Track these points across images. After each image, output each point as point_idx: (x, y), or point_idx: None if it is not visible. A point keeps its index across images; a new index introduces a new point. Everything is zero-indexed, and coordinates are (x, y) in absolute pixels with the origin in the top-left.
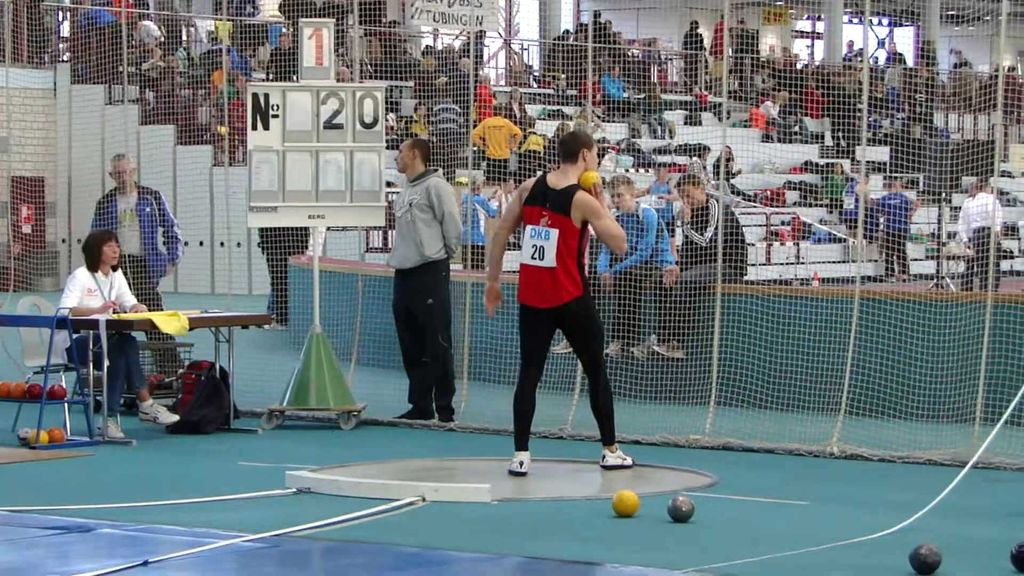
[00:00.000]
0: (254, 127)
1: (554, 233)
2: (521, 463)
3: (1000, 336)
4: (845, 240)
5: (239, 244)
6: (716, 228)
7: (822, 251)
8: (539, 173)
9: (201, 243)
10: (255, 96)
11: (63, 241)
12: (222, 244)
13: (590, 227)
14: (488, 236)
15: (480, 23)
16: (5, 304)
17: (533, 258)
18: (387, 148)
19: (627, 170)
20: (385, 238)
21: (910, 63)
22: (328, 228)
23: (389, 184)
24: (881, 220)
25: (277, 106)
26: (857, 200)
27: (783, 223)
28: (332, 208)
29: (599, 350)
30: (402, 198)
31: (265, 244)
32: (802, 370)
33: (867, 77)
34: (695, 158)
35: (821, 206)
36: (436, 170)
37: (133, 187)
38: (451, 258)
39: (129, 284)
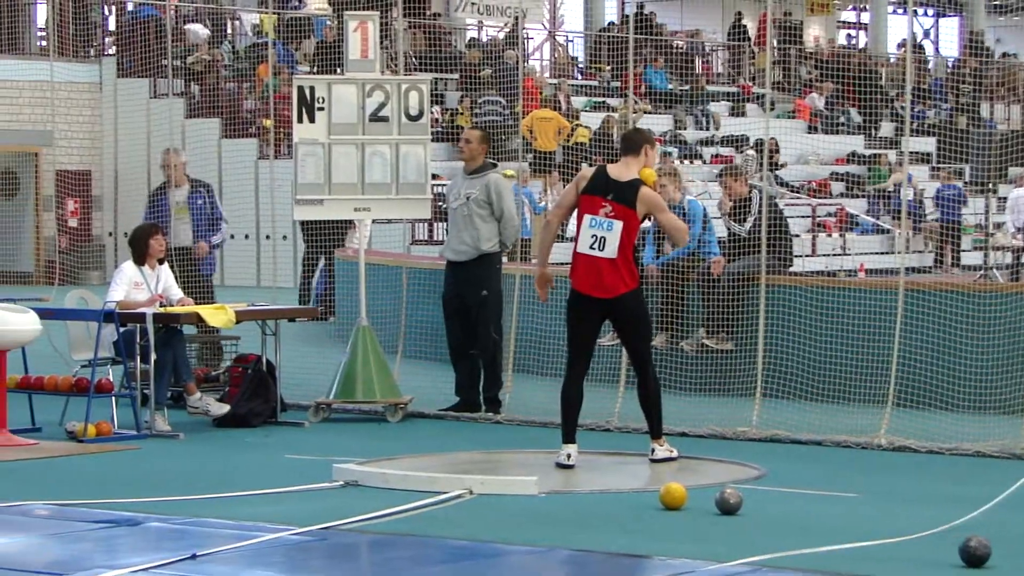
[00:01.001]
0: (300, 120)
1: (618, 225)
2: (569, 455)
3: None
4: (890, 231)
5: (285, 237)
6: (757, 218)
7: (868, 242)
8: (592, 164)
9: (247, 236)
10: (300, 89)
11: (109, 235)
12: (267, 237)
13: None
14: (534, 231)
15: (525, 15)
16: (52, 298)
17: (592, 248)
18: (432, 141)
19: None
20: (431, 230)
21: (955, 53)
22: (373, 220)
23: (434, 176)
24: (933, 211)
25: (323, 99)
26: (897, 190)
27: (828, 214)
28: (378, 201)
29: (648, 344)
30: (457, 190)
31: (306, 236)
32: (849, 361)
33: (911, 68)
34: (749, 150)
35: (865, 197)
36: (495, 164)
37: (184, 179)
38: (504, 252)
39: (177, 278)
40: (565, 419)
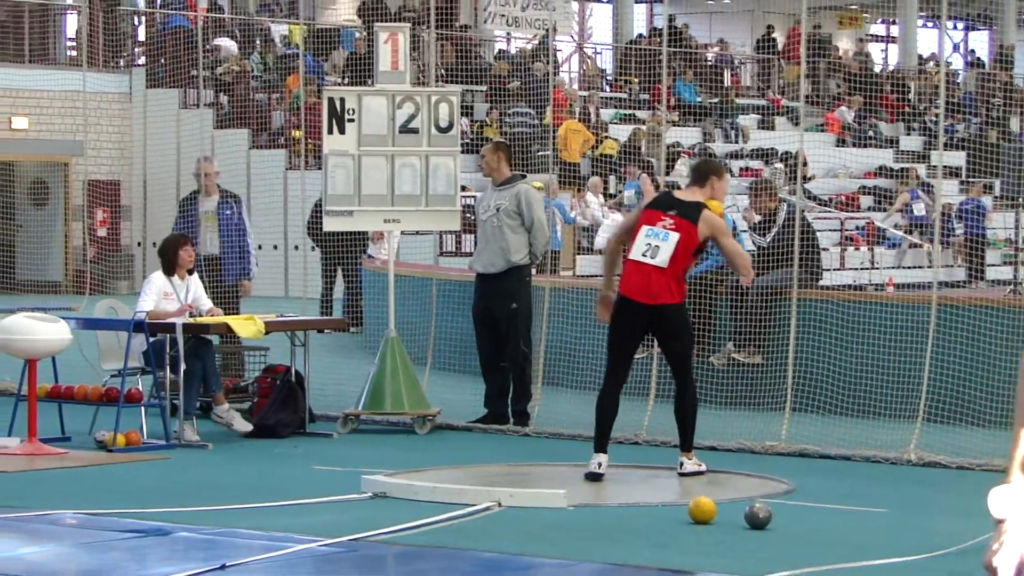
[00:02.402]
0: (330, 131)
1: (674, 236)
2: (599, 464)
3: None
4: (920, 245)
5: (313, 247)
6: (780, 231)
7: (896, 256)
8: (621, 177)
9: (275, 247)
10: (331, 100)
11: (138, 244)
12: (296, 248)
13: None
14: (564, 242)
15: (554, 27)
16: (81, 307)
17: (644, 255)
18: (462, 152)
19: None
20: (459, 242)
21: (985, 67)
22: (401, 232)
23: (462, 188)
24: (958, 225)
25: (353, 110)
26: (908, 209)
27: (857, 228)
28: (407, 212)
29: (689, 356)
30: (487, 202)
31: (325, 245)
32: (879, 376)
33: (944, 81)
34: (778, 164)
35: (891, 210)
36: (524, 175)
37: (215, 189)
38: (534, 264)
39: (205, 286)
40: (599, 428)
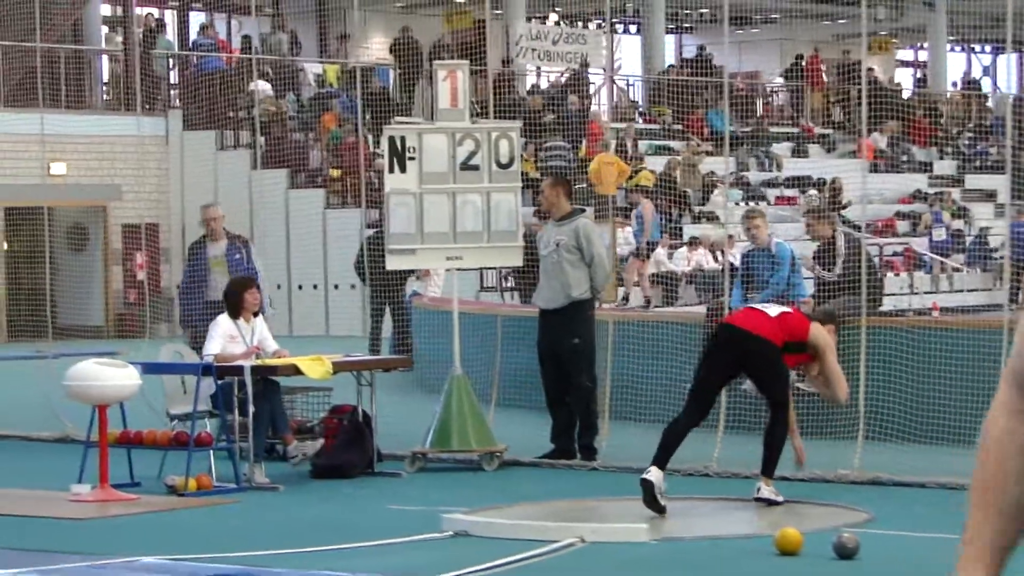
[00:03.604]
0: (391, 170)
1: (788, 313)
2: (650, 471)
3: None
4: (959, 269)
5: (353, 286)
6: (845, 262)
7: (931, 281)
8: (659, 207)
9: (315, 286)
10: (391, 139)
11: (177, 287)
12: (336, 287)
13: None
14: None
15: (587, 61)
16: (126, 351)
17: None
18: None
19: (736, 204)
20: (503, 277)
21: (1014, 90)
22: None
23: None
24: (1003, 249)
25: (413, 148)
26: (930, 226)
27: (895, 253)
28: (470, 249)
29: (783, 391)
30: (547, 237)
31: (373, 283)
32: (950, 402)
33: (1011, 111)
34: (812, 191)
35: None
36: (583, 210)
37: (222, 234)
38: (597, 298)
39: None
40: (660, 449)
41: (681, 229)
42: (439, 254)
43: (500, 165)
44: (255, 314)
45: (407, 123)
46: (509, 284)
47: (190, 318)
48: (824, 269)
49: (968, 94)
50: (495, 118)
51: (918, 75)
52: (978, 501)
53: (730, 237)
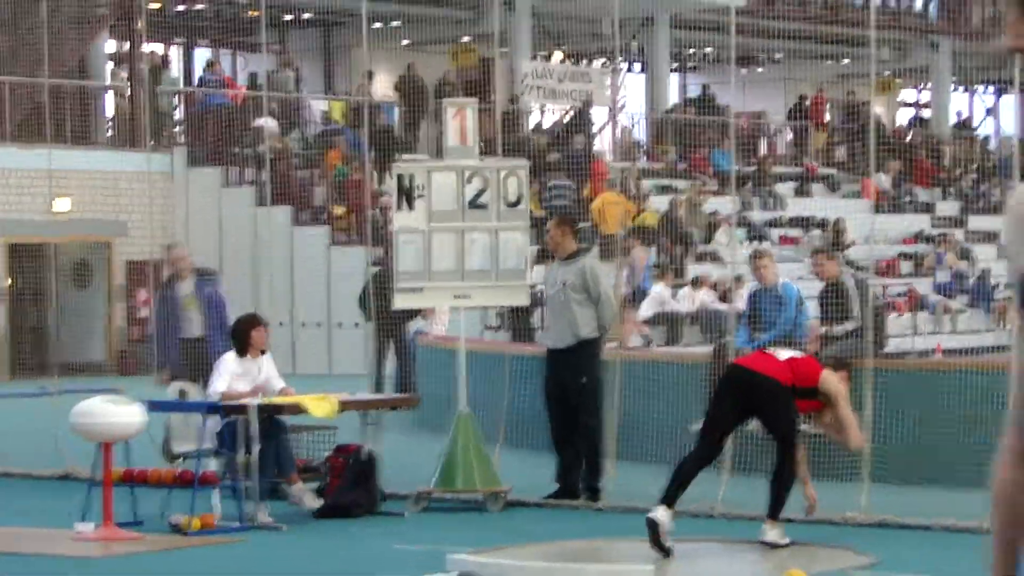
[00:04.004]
0: (399, 208)
1: (800, 358)
2: (657, 510)
3: None
4: (964, 311)
5: (357, 324)
6: (852, 311)
7: (934, 321)
8: (663, 249)
9: (319, 324)
10: (400, 177)
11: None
12: (339, 325)
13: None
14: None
15: (591, 100)
16: (125, 388)
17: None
18: None
19: (740, 243)
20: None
21: (1017, 131)
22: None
23: None
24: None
25: (422, 186)
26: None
27: (898, 295)
28: (478, 288)
29: (791, 431)
30: (554, 276)
31: (378, 320)
32: (955, 443)
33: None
34: (815, 230)
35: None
36: (589, 249)
37: (189, 272)
38: (604, 337)
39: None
40: (669, 486)
41: (684, 268)
42: (447, 292)
43: (508, 203)
44: (262, 352)
45: (415, 161)
46: (496, 324)
47: (167, 358)
48: (831, 322)
49: (969, 136)
50: (501, 156)
51: (919, 115)
52: (999, 542)
53: (739, 278)
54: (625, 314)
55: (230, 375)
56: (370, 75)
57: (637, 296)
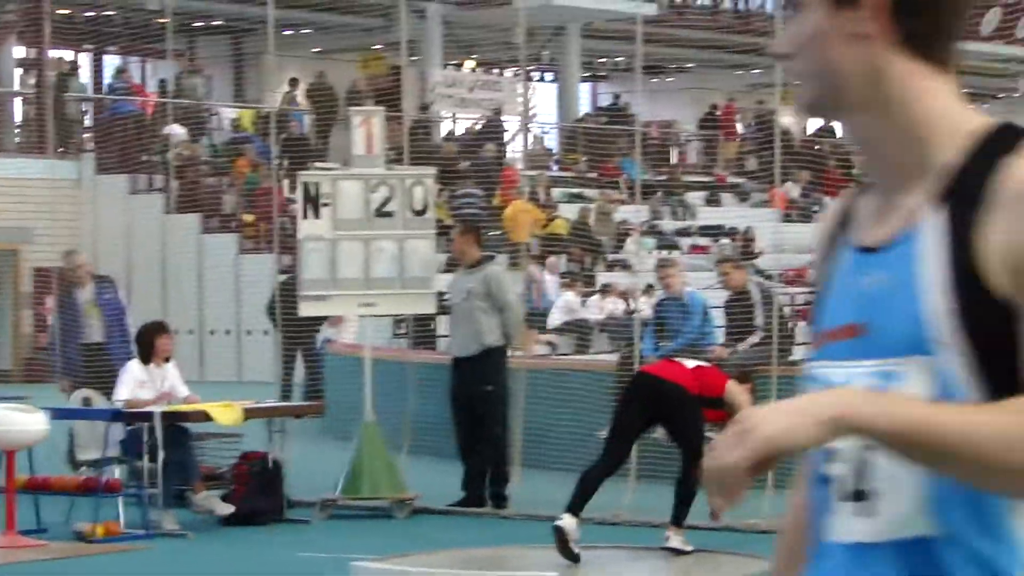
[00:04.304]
0: (305, 216)
1: (710, 367)
2: (563, 518)
3: None
4: None
5: (266, 332)
6: (757, 328)
7: None
8: (572, 257)
9: (228, 331)
10: (306, 185)
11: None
12: (248, 332)
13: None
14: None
15: (502, 108)
16: (32, 396)
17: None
18: None
19: (650, 252)
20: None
21: None
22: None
23: None
24: None
25: (328, 195)
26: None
27: (806, 303)
28: (383, 296)
29: (696, 438)
30: (459, 285)
31: (285, 328)
32: None
33: None
34: (724, 240)
35: None
36: (493, 257)
37: (88, 279)
38: (509, 345)
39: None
40: (575, 492)
41: (594, 277)
42: (352, 300)
43: (414, 212)
44: (166, 359)
45: (323, 169)
46: (402, 331)
47: (68, 365)
48: (736, 336)
49: None
50: (410, 164)
51: (829, 125)
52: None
53: (650, 287)
54: (527, 331)
55: (134, 383)
56: (294, 82)
57: (540, 312)
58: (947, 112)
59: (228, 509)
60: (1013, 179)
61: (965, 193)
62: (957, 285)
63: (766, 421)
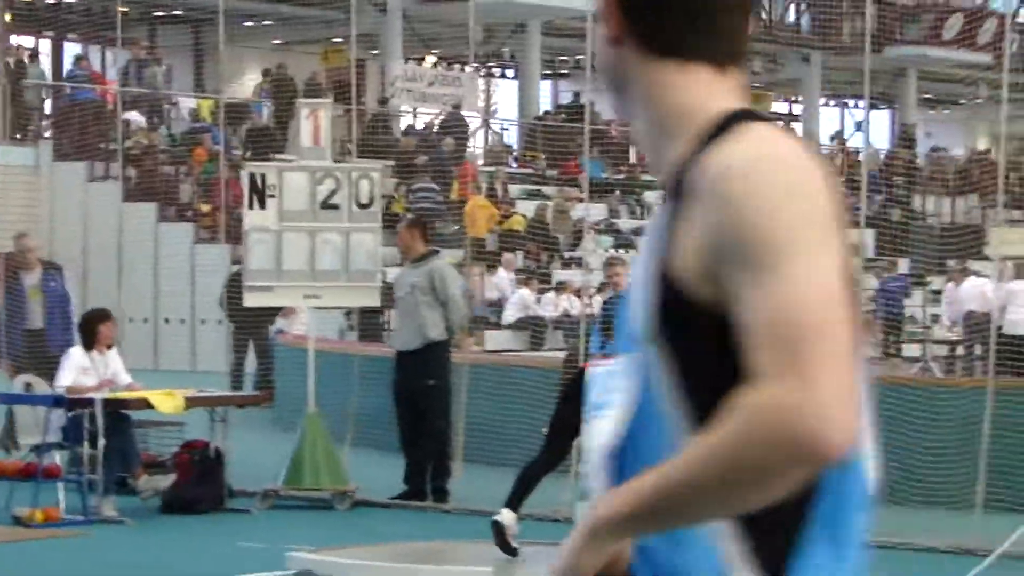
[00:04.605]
0: (251, 206)
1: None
2: (502, 512)
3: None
4: None
5: (220, 321)
6: None
7: None
8: (528, 253)
9: (183, 321)
10: (252, 176)
11: None
12: (203, 321)
13: None
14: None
15: (461, 103)
16: None
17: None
18: None
19: (606, 250)
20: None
21: (886, 146)
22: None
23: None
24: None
25: (274, 186)
26: None
27: None
28: (328, 288)
29: None
30: (403, 279)
31: (237, 318)
32: None
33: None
34: None
35: None
36: (437, 251)
37: (36, 263)
38: (452, 340)
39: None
40: (514, 487)
41: (551, 274)
42: (297, 292)
43: (360, 205)
44: (109, 347)
45: (281, 160)
46: (350, 323)
47: (11, 349)
48: None
49: (839, 149)
50: (367, 158)
51: (791, 128)
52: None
53: (604, 284)
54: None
55: (77, 369)
56: (267, 72)
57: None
58: (697, 107)
59: (169, 479)
60: (704, 170)
61: (676, 188)
62: (658, 285)
63: (559, 556)
